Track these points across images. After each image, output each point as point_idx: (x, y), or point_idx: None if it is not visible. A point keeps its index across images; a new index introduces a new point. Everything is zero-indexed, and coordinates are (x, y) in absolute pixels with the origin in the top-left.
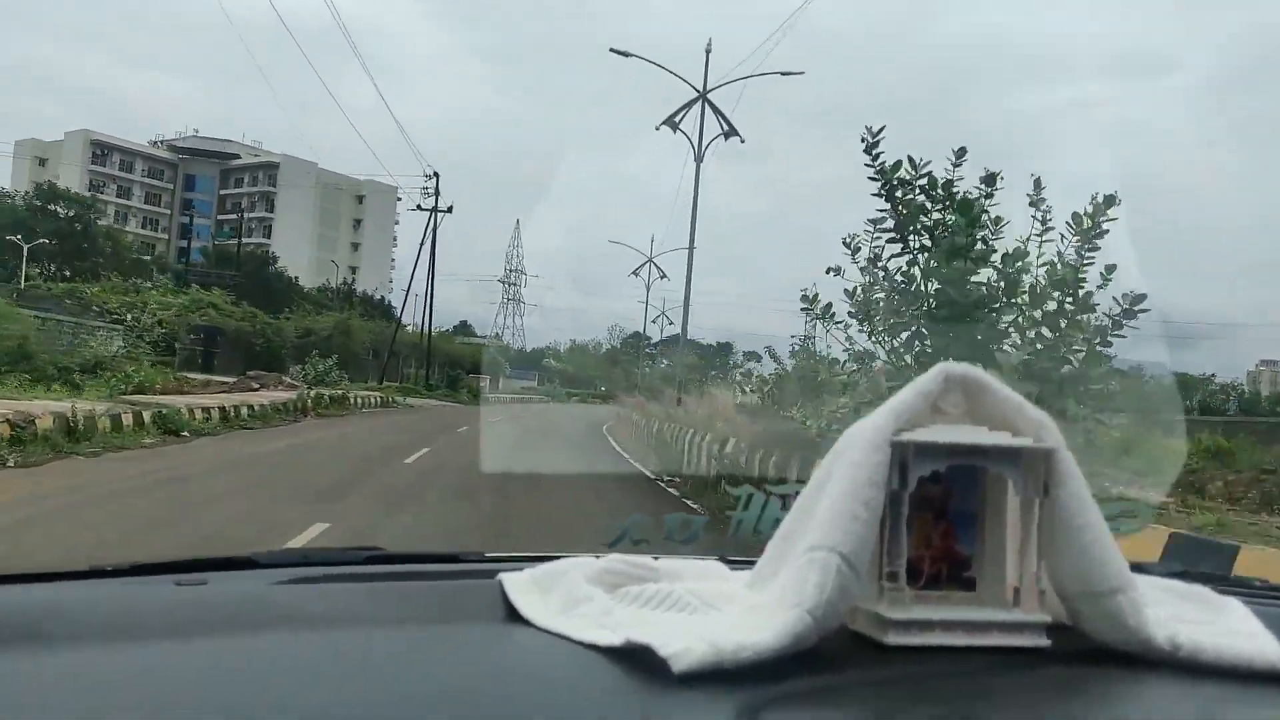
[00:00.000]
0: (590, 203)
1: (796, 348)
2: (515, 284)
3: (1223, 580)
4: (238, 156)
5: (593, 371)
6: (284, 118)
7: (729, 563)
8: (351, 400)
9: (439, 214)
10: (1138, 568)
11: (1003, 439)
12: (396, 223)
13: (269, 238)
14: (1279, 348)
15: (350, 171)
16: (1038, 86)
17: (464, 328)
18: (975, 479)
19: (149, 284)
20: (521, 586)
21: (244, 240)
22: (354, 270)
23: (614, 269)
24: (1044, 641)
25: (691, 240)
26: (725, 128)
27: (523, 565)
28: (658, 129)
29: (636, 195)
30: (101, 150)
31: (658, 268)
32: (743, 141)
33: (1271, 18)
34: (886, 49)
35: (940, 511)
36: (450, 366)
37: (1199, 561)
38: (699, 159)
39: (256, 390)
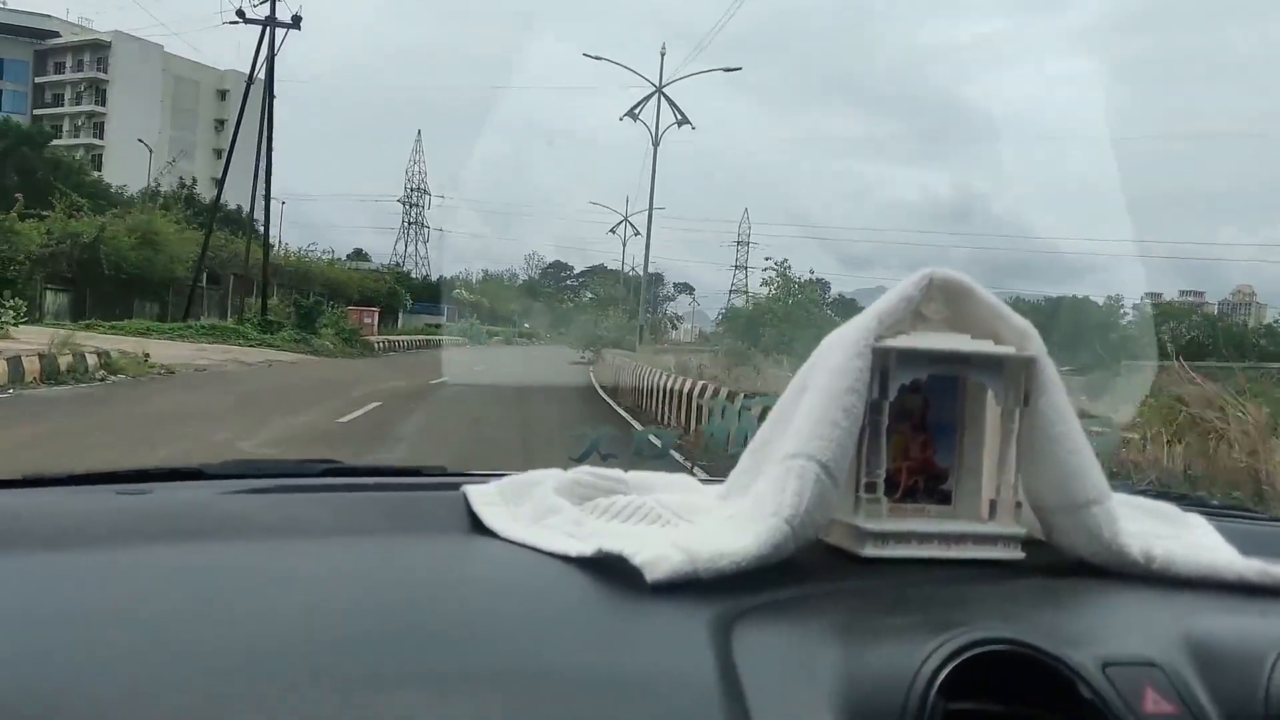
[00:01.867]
0: (506, 124)
1: (772, 275)
2: (417, 205)
3: (1182, 498)
4: (57, 35)
5: (511, 306)
6: None
7: (699, 479)
8: None
9: (279, 29)
10: None
11: (986, 347)
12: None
13: (99, 137)
14: (1163, 280)
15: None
16: (942, 22)
17: (360, 255)
18: (954, 390)
19: None
20: (486, 498)
21: (67, 142)
22: (218, 181)
23: (529, 194)
24: (1019, 554)
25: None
26: (678, 118)
27: (488, 479)
28: (621, 120)
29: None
30: None
31: (632, 226)
32: (694, 128)
33: None
34: None
35: (919, 423)
36: (328, 297)
37: None
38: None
39: None
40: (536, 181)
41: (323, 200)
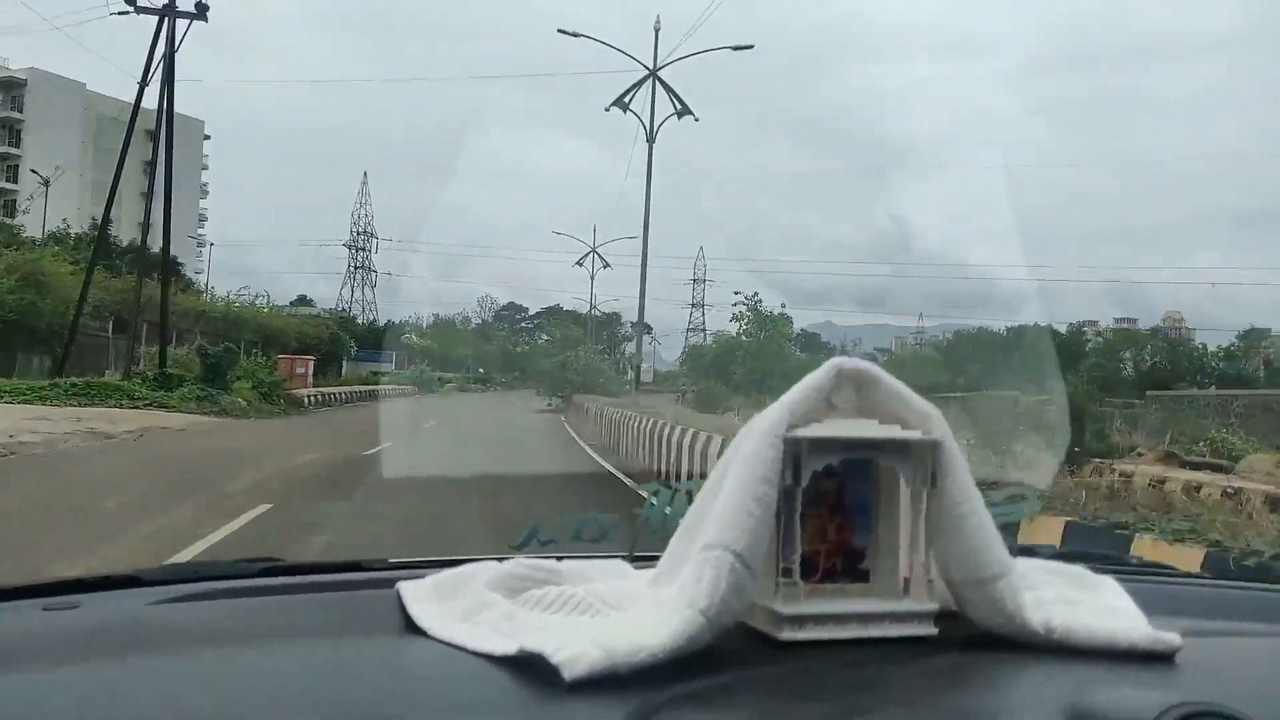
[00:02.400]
0: (448, 167)
1: (742, 310)
2: (364, 249)
3: (1102, 559)
4: None
5: (463, 350)
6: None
7: (636, 561)
8: None
9: (180, 17)
10: (1026, 550)
11: (893, 432)
12: (205, 167)
13: (14, 181)
14: (1097, 308)
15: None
16: (882, 64)
17: (304, 302)
18: (868, 472)
19: None
20: (420, 595)
21: None
22: (143, 227)
23: (483, 235)
24: (932, 630)
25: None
26: (677, 107)
27: (427, 571)
28: (607, 110)
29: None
30: None
31: (600, 257)
32: (696, 119)
33: (1082, 8)
34: (745, 26)
35: (835, 505)
36: (262, 345)
37: (1094, 548)
38: (650, 139)
39: None
40: (490, 222)
41: (267, 246)
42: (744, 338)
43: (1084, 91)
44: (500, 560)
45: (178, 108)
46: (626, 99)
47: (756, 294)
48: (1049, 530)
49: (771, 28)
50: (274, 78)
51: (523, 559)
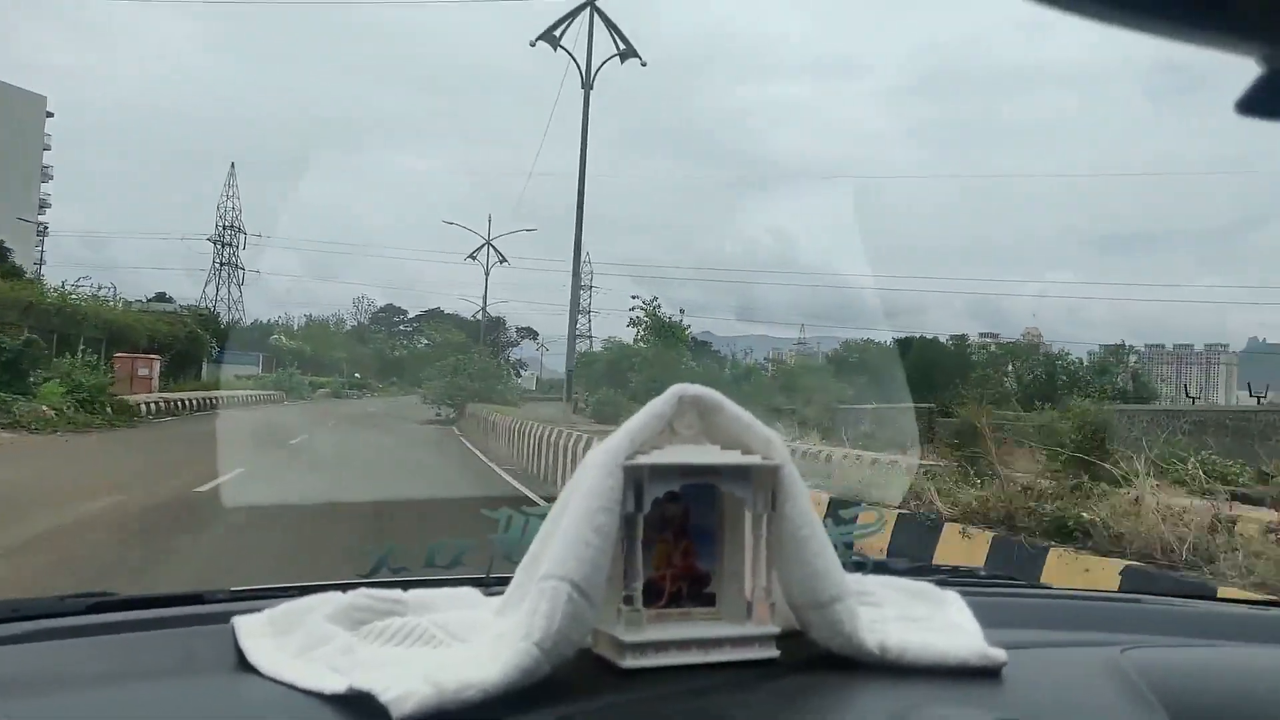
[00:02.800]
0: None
1: (640, 315)
2: (231, 244)
3: (952, 572)
4: None
5: (337, 353)
6: None
7: (488, 586)
8: None
9: None
10: (880, 566)
11: (734, 458)
12: (47, 148)
13: None
14: (961, 323)
15: None
16: (754, 82)
17: (163, 299)
18: (712, 496)
19: None
20: (254, 630)
21: None
22: None
23: (359, 233)
24: (773, 653)
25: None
26: (620, 46)
27: (269, 601)
28: (533, 45)
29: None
30: None
31: (496, 251)
32: (644, 64)
33: (947, 38)
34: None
35: (681, 530)
36: (107, 344)
37: (1016, 563)
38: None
39: None
40: (369, 220)
41: (125, 239)
42: (642, 344)
43: (950, 115)
44: (346, 588)
45: (15, 82)
46: (558, 33)
47: (656, 298)
48: (978, 545)
49: (655, 37)
50: (134, 57)
51: (366, 589)
